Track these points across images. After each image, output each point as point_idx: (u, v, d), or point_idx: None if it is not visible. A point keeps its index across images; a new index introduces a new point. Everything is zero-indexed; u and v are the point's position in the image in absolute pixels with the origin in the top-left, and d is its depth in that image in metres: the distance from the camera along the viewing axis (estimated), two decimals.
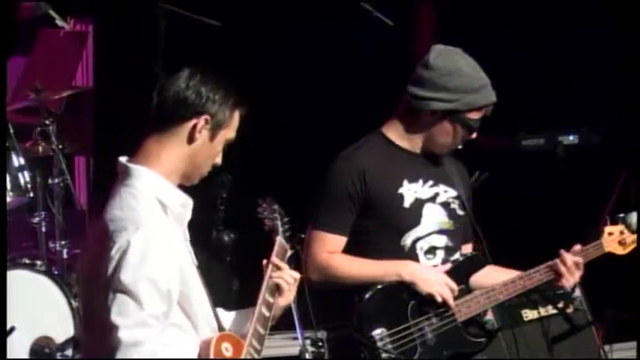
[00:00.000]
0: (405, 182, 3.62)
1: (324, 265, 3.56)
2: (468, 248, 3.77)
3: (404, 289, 3.52)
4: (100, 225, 2.50)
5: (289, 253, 3.00)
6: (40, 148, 5.39)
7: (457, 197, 3.71)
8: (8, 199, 4.87)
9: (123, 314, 2.39)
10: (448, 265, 3.59)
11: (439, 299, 3.50)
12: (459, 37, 3.98)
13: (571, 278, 3.60)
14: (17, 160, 5.03)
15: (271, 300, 2.76)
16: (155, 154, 2.58)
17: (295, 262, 3.46)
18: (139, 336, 2.39)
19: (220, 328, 2.67)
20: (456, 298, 3.54)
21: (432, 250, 3.62)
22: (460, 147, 3.70)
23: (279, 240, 2.97)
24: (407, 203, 3.61)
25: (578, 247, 3.66)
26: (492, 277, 3.65)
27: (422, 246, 3.62)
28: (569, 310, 4.38)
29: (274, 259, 2.84)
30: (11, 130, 5.01)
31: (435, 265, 3.62)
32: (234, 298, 6.99)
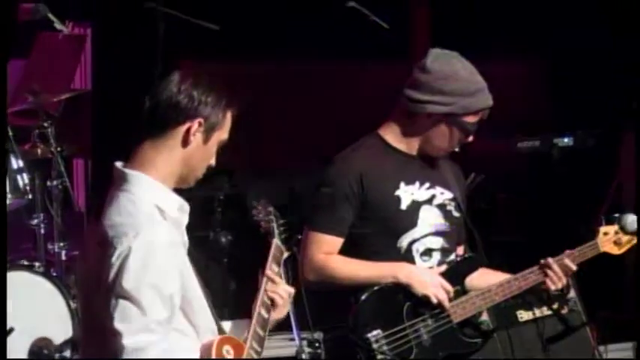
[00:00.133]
0: (402, 184, 3.63)
1: (321, 266, 3.57)
2: (462, 249, 3.79)
3: (399, 291, 3.53)
4: (100, 231, 2.51)
5: (285, 255, 3.01)
6: (39, 151, 5.38)
7: (453, 199, 3.72)
8: (7, 201, 4.87)
9: (126, 321, 2.40)
10: (443, 267, 3.61)
11: (434, 300, 3.51)
12: (454, 40, 4.01)
13: (557, 281, 3.62)
14: (16, 163, 5.03)
15: (266, 316, 2.77)
16: (150, 159, 2.59)
17: (292, 264, 3.49)
18: (143, 342, 2.39)
19: (221, 331, 2.67)
20: (451, 300, 3.55)
21: (428, 252, 3.64)
22: (456, 150, 3.71)
23: (275, 242, 2.99)
24: (404, 205, 3.62)
25: (568, 252, 3.68)
26: (488, 278, 3.67)
27: (418, 248, 3.63)
28: (564, 311, 4.39)
29: (269, 272, 2.84)
30: (10, 133, 4.99)
31: (431, 267, 3.63)
32: (231, 300, 7.02)
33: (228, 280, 8.16)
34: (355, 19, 4.44)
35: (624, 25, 6.21)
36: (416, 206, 3.64)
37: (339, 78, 15.22)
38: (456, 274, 3.58)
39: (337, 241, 3.60)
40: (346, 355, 3.56)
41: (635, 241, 3.70)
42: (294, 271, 3.55)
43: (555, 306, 4.30)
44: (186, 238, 2.68)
